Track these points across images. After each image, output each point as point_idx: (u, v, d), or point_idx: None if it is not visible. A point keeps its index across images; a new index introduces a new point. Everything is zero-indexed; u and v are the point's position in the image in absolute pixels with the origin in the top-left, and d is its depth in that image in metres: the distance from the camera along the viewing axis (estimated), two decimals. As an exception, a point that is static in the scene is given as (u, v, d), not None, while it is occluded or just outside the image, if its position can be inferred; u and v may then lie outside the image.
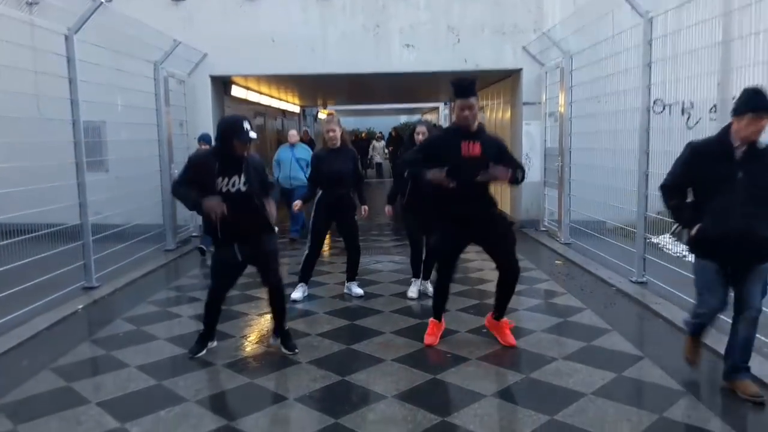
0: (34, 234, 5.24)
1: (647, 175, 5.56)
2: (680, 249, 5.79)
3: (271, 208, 4.02)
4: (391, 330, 4.64)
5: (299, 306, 5.32)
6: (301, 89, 14.67)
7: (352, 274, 5.74)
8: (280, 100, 15.82)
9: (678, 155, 3.50)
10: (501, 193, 4.33)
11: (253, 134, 3.84)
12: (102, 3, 5.70)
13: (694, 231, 3.34)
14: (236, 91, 11.05)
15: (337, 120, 5.53)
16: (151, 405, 3.38)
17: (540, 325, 4.69)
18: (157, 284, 6.32)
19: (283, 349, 4.19)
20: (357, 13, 9.05)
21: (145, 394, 3.56)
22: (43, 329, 4.69)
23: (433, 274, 4.99)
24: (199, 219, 6.67)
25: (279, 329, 4.24)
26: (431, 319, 4.40)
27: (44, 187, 5.31)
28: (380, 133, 24.79)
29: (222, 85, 10.11)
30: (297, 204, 5.69)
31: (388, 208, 5.71)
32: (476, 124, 4.02)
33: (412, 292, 5.54)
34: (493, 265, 4.22)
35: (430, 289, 5.43)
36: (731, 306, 3.42)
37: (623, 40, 6.29)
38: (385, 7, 9.04)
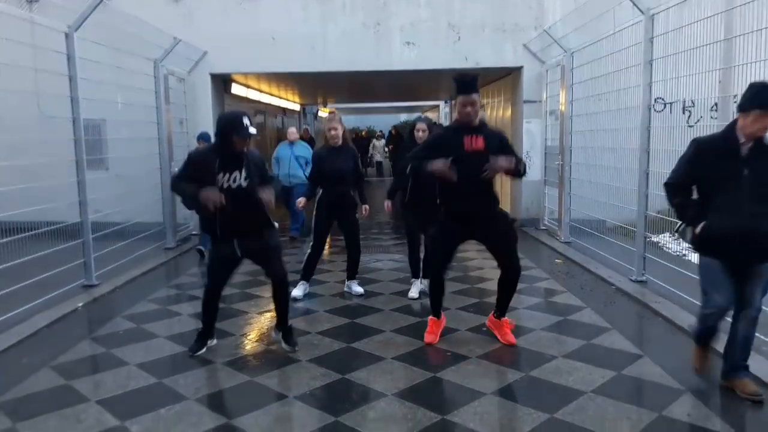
0: (34, 232, 5.24)
1: (648, 174, 5.55)
2: (680, 248, 5.80)
3: (269, 194, 3.88)
4: (391, 328, 4.64)
5: (300, 304, 5.32)
6: (301, 87, 14.66)
7: (352, 272, 5.74)
8: (281, 98, 15.81)
9: (682, 153, 3.45)
10: (501, 192, 4.32)
11: (252, 130, 3.83)
12: (102, 0, 5.69)
13: (698, 229, 3.28)
14: (236, 89, 11.04)
15: (339, 118, 5.53)
16: (151, 403, 3.38)
17: (540, 324, 4.69)
18: (157, 282, 6.32)
19: (283, 345, 4.19)
20: (357, 11, 9.03)
21: (145, 392, 3.56)
22: (43, 327, 4.69)
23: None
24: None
25: (281, 324, 4.24)
26: (430, 317, 4.40)
27: (44, 185, 5.31)
28: (380, 131, 24.79)
29: (222, 83, 10.10)
30: (301, 201, 5.64)
31: (387, 204, 5.67)
32: (478, 119, 4.02)
33: (413, 292, 5.52)
34: (494, 263, 4.22)
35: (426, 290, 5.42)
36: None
37: (624, 37, 6.28)
38: (386, 5, 9.03)
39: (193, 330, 4.41)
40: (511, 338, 4.25)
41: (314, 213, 5.50)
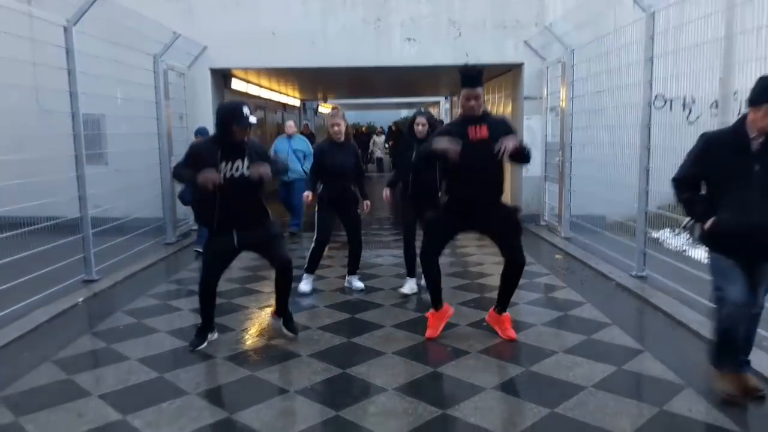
0: (33, 227, 5.23)
1: (648, 170, 5.55)
2: (680, 243, 5.80)
3: (265, 168, 3.84)
4: (392, 323, 4.65)
5: (301, 299, 5.31)
6: (301, 83, 14.63)
7: (353, 267, 5.74)
8: (281, 93, 15.78)
9: (681, 149, 3.43)
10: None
11: (252, 119, 3.83)
12: (101, -6, 5.67)
13: (707, 225, 3.18)
14: (236, 84, 11.02)
15: (342, 114, 5.53)
16: (152, 397, 3.38)
17: (540, 319, 4.69)
18: (157, 277, 6.32)
19: (284, 330, 4.20)
20: (357, 6, 9.01)
21: (146, 386, 3.57)
22: (44, 322, 4.69)
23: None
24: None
25: (281, 310, 4.24)
26: (430, 310, 4.38)
27: (44, 180, 5.30)
28: (381, 127, 24.77)
29: (222, 78, 10.08)
30: (308, 195, 5.51)
31: (386, 191, 5.57)
32: (481, 110, 4.02)
33: (405, 289, 5.47)
34: (494, 258, 4.23)
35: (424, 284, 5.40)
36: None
37: (625, 34, 6.27)
38: (386, 1, 9.00)
39: (193, 325, 4.42)
40: (512, 333, 4.25)
41: (317, 208, 5.50)
